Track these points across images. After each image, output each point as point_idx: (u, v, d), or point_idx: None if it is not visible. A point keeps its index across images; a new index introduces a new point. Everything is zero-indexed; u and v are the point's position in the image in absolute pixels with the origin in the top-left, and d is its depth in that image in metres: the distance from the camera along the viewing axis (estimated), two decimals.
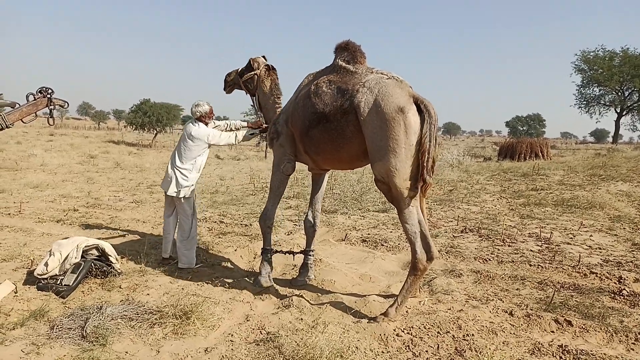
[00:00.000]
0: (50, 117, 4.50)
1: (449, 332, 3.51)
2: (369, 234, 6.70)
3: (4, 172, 11.95)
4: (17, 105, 4.19)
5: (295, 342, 3.18)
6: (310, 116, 3.97)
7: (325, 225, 7.26)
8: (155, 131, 27.69)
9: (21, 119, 4.14)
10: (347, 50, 4.07)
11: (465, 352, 3.22)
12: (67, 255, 4.31)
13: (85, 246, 4.45)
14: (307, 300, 4.11)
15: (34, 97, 4.28)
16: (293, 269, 5.02)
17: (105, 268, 4.46)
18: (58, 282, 4.15)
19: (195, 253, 5.12)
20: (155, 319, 3.57)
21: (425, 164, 3.41)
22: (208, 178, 13.25)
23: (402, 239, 6.45)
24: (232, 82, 5.19)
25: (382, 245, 6.12)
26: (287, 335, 3.33)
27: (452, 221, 7.59)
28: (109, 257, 4.57)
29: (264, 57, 5.04)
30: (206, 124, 5.09)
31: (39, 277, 4.22)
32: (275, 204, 4.56)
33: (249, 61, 4.96)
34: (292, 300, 4.11)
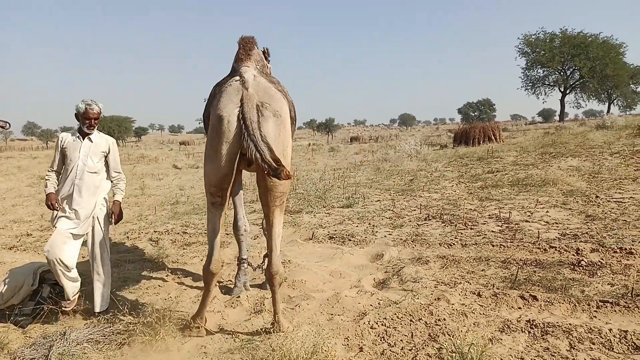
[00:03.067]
0: None
1: (421, 319, 3.56)
2: (335, 231, 6.72)
3: None
4: None
5: (270, 346, 3.14)
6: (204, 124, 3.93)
7: (292, 225, 7.24)
8: None
9: None
10: (238, 48, 3.82)
11: (438, 337, 3.28)
12: (24, 283, 4.10)
13: (42, 271, 4.25)
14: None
15: None
16: (262, 272, 4.96)
17: None
18: (16, 312, 3.95)
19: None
20: (124, 338, 3.45)
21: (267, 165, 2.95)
22: (167, 189, 12.95)
23: (368, 232, 6.51)
24: None
25: (350, 240, 6.15)
26: (261, 341, 3.30)
27: (415, 210, 7.72)
28: None
29: (264, 50, 4.53)
30: (82, 132, 4.08)
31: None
32: (236, 206, 4.58)
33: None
34: (263, 305, 4.07)
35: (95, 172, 4.04)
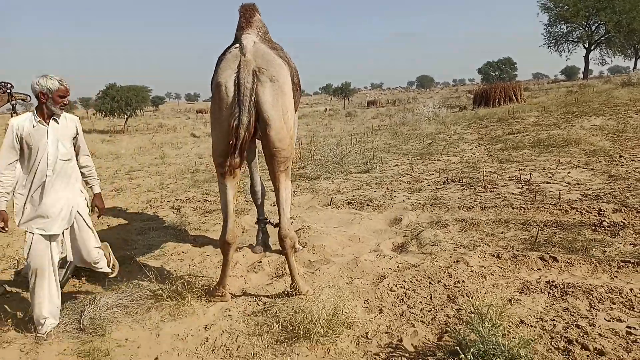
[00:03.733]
0: (14, 113, 4.34)
1: (440, 281, 3.60)
2: (353, 196, 6.74)
3: None
4: None
5: (292, 308, 3.23)
6: None
7: (310, 191, 7.28)
8: (125, 116, 27.04)
9: None
10: (239, 15, 3.78)
11: (457, 298, 3.32)
12: None
13: None
14: (300, 267, 4.16)
15: None
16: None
17: None
18: None
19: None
20: (151, 303, 3.58)
21: (235, 136, 3.11)
22: (186, 157, 13.09)
23: (386, 197, 6.52)
24: None
25: (368, 205, 6.17)
26: (283, 304, 3.38)
27: (433, 174, 7.68)
28: None
29: None
30: (48, 114, 3.24)
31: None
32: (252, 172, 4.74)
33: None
34: (285, 269, 4.15)
35: (68, 160, 3.34)
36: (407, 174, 7.87)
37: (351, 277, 3.89)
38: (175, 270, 4.32)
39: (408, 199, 6.32)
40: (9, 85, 4.17)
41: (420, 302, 3.35)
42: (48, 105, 3.19)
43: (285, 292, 3.63)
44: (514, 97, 19.18)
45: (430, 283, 3.59)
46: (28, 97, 4.41)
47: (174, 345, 3.07)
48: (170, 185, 9.03)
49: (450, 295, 3.38)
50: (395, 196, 6.52)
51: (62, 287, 3.99)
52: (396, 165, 8.86)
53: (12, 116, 4.21)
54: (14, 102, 4.24)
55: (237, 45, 3.39)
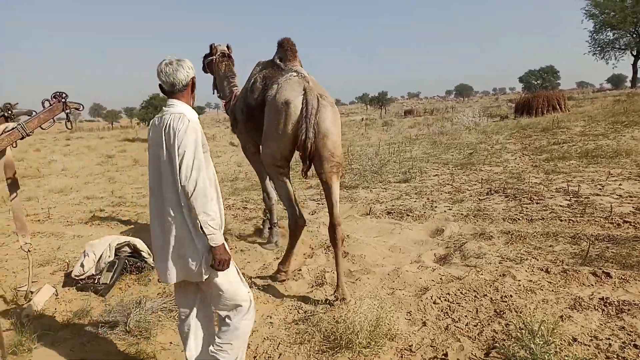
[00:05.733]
0: (68, 121, 4.50)
1: (486, 295, 3.49)
2: (393, 206, 6.67)
3: (28, 180, 12.15)
4: (34, 113, 4.21)
5: (333, 318, 3.20)
6: (246, 108, 4.54)
7: (348, 201, 7.25)
8: None
9: (40, 126, 4.16)
10: (282, 48, 4.35)
11: (504, 313, 3.21)
12: (101, 255, 4.39)
13: (117, 244, 4.53)
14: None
15: (50, 103, 4.28)
16: (327, 248, 5.03)
17: (139, 263, 4.54)
18: (96, 282, 4.24)
19: None
20: None
21: (304, 148, 3.63)
22: (226, 166, 13.30)
23: (427, 207, 6.41)
24: (203, 64, 5.70)
25: (408, 215, 6.09)
26: (324, 313, 3.36)
27: (475, 184, 7.51)
28: (141, 252, 4.64)
29: (227, 46, 5.58)
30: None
31: (76, 278, 4.31)
32: (263, 181, 5.33)
33: (210, 46, 5.51)
34: (324, 278, 4.14)
35: None
36: (448, 184, 7.72)
37: (392, 288, 3.84)
38: None
39: (449, 209, 6.20)
40: (64, 95, 4.33)
41: (466, 316, 3.25)
42: (194, 95, 2.44)
43: (326, 301, 3.61)
44: (557, 106, 18.63)
45: (475, 297, 3.49)
46: (81, 106, 4.56)
47: None
48: None
49: (498, 310, 3.27)
50: (436, 206, 6.41)
51: (111, 287, 4.15)
52: (436, 175, 8.72)
53: (67, 126, 4.34)
54: (68, 111, 4.39)
55: (294, 74, 3.94)
